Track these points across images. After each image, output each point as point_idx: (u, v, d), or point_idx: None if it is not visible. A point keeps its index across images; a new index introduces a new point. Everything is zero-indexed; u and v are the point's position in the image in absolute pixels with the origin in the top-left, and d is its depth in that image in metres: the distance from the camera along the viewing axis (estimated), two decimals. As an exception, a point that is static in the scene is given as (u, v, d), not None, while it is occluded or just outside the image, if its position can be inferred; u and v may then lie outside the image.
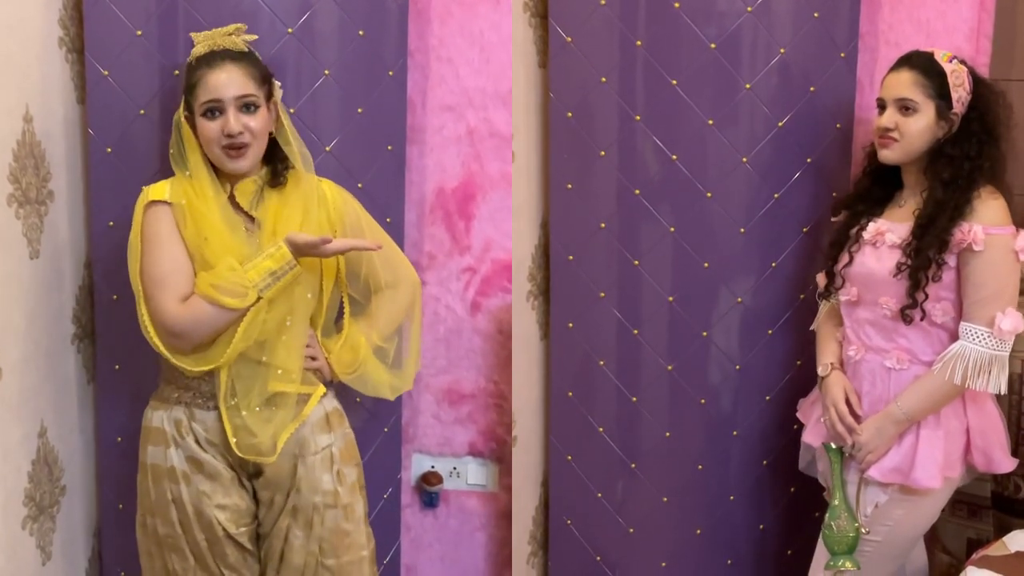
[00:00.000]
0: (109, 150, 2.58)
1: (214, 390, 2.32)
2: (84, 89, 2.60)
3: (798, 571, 2.88)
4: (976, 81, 2.40)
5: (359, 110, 2.67)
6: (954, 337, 2.34)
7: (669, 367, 2.77)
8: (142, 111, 2.56)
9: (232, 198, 2.34)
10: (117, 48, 2.54)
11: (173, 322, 2.25)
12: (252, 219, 2.34)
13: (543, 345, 2.94)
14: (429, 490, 3.05)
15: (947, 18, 2.78)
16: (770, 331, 2.77)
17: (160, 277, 2.27)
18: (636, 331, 2.78)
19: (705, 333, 2.76)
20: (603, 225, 2.76)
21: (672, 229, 2.72)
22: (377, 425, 2.80)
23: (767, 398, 2.79)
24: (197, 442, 2.34)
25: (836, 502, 2.39)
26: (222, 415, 2.31)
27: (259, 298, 2.24)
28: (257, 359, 2.31)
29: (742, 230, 2.71)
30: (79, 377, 2.68)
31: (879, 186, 2.50)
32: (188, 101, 2.31)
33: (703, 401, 2.79)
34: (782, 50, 2.65)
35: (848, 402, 2.41)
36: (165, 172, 2.48)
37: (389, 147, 2.74)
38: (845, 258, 2.48)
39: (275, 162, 2.38)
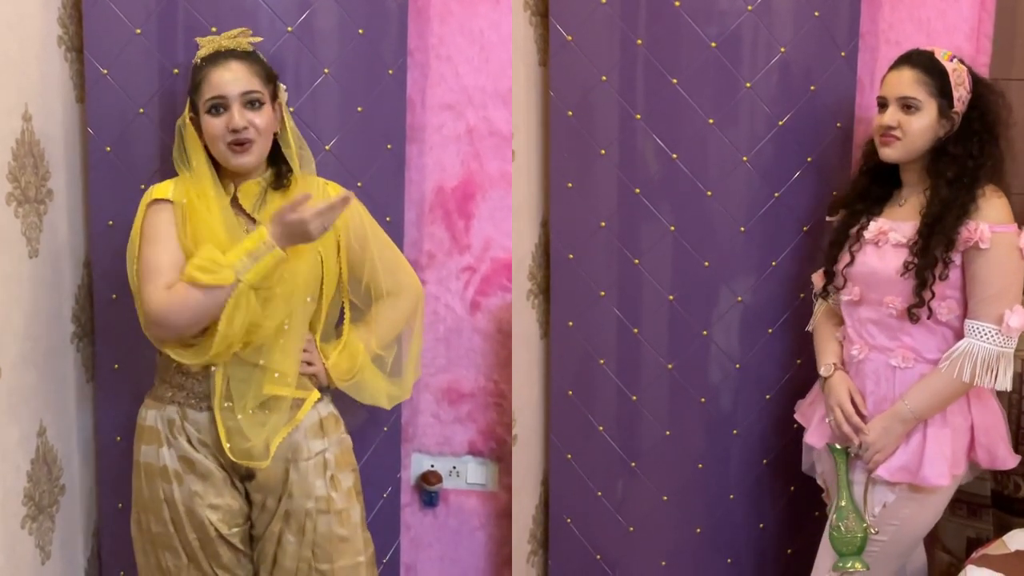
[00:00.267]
0: (108, 149, 2.57)
1: (208, 391, 2.32)
2: (83, 88, 2.59)
3: (798, 570, 2.88)
4: (975, 80, 2.41)
5: (359, 109, 2.66)
6: (958, 335, 2.34)
7: (669, 366, 2.77)
8: (141, 110, 2.55)
9: (235, 200, 2.34)
10: (116, 47, 2.53)
11: (157, 307, 2.22)
12: (254, 221, 2.33)
13: (543, 344, 2.94)
14: (429, 489, 3.04)
15: (947, 17, 2.78)
16: (770, 330, 2.77)
17: (152, 268, 2.26)
18: (636, 330, 2.78)
19: (705, 332, 2.76)
20: (603, 224, 2.76)
21: (672, 228, 2.72)
22: (376, 424, 2.79)
23: (767, 397, 2.79)
24: (189, 442, 2.34)
25: (843, 503, 2.38)
26: (216, 418, 2.31)
27: (238, 281, 2.19)
28: (254, 362, 2.30)
29: (742, 229, 2.71)
30: (78, 376, 2.67)
31: (877, 185, 2.50)
32: (193, 101, 2.31)
33: (703, 400, 2.79)
34: (783, 49, 2.65)
35: (853, 402, 2.41)
36: (165, 171, 2.48)
37: (389, 146, 2.74)
38: (846, 258, 2.47)
39: (279, 164, 2.38)
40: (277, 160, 2.38)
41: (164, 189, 2.32)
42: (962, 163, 2.34)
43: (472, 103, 2.87)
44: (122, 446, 2.64)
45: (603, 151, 2.73)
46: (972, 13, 2.76)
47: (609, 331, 2.80)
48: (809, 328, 2.65)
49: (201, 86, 2.29)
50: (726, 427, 2.80)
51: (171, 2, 2.52)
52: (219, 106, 2.27)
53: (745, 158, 2.68)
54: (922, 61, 2.38)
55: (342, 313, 2.51)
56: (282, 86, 2.40)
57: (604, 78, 2.70)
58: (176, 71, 2.52)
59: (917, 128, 2.36)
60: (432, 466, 3.05)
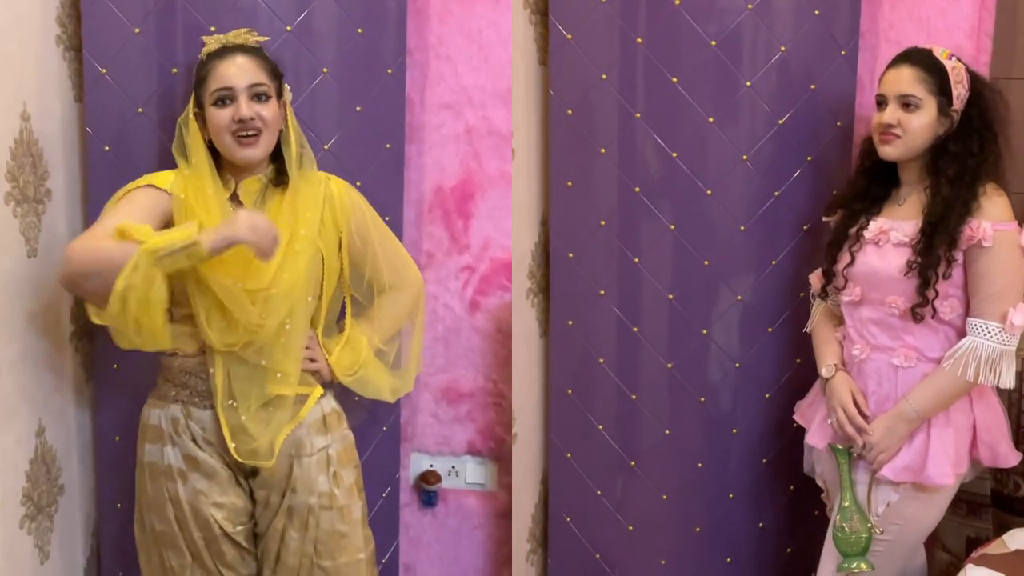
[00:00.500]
0: (107, 148, 2.57)
1: (211, 388, 2.32)
2: (82, 87, 2.59)
3: (798, 569, 2.88)
4: (973, 78, 2.40)
5: (358, 108, 2.66)
6: (960, 333, 2.34)
7: (669, 365, 2.77)
8: (140, 109, 2.55)
9: (235, 196, 2.34)
10: (115, 46, 2.53)
11: (69, 249, 2.18)
12: None
13: (543, 343, 2.94)
14: (428, 489, 3.04)
15: (948, 16, 2.78)
16: (770, 329, 2.76)
17: (97, 227, 2.22)
18: (636, 329, 2.78)
19: (705, 331, 2.75)
20: (603, 223, 2.75)
21: (672, 227, 2.72)
22: (376, 424, 2.80)
23: (767, 396, 2.79)
24: (194, 440, 2.34)
25: (847, 504, 2.37)
26: (220, 418, 2.31)
27: (144, 256, 2.10)
28: (256, 362, 2.30)
29: (742, 228, 2.71)
30: (77, 376, 2.67)
31: (876, 184, 2.50)
32: (198, 96, 2.31)
33: (703, 399, 2.78)
34: (783, 48, 2.64)
35: (856, 402, 2.41)
36: (164, 170, 2.47)
37: (388, 145, 2.73)
38: (846, 258, 2.47)
39: (279, 161, 2.38)
40: (278, 157, 2.38)
41: (165, 179, 2.32)
42: (963, 161, 2.34)
43: (471, 103, 2.87)
44: (121, 446, 2.64)
45: (603, 150, 2.73)
46: (972, 11, 2.76)
47: (609, 330, 2.80)
48: (807, 329, 2.64)
49: (207, 79, 2.29)
50: (726, 426, 2.80)
51: (170, 1, 2.52)
52: (226, 98, 2.27)
53: (745, 157, 2.68)
54: (921, 59, 2.38)
55: (343, 308, 2.51)
56: (286, 86, 2.40)
57: (604, 77, 2.69)
58: (175, 70, 2.52)
59: (917, 126, 2.36)
60: (431, 466, 3.05)
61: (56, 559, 2.59)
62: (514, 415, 2.85)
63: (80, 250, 2.18)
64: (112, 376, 2.65)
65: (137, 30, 2.53)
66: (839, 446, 2.41)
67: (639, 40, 2.66)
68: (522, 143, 2.78)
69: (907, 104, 2.36)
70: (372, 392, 2.54)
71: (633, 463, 2.84)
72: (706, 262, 2.72)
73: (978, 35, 2.76)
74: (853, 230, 2.47)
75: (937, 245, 2.30)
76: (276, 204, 2.33)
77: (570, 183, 2.77)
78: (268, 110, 2.30)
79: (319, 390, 2.41)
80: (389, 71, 2.71)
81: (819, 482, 2.63)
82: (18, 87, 2.38)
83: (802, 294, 2.72)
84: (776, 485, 2.84)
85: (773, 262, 2.73)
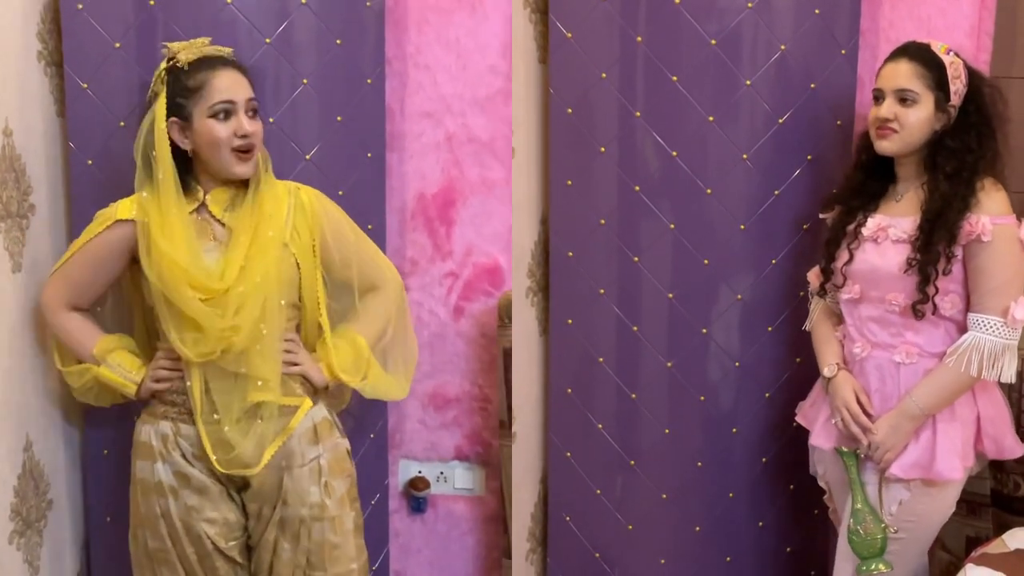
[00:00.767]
0: (90, 162, 2.58)
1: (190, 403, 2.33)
2: (64, 102, 2.60)
3: (797, 568, 2.89)
4: (971, 74, 2.39)
5: (338, 118, 2.67)
6: (962, 328, 2.33)
7: (669, 364, 2.77)
8: (122, 123, 2.55)
9: (204, 205, 2.34)
10: (96, 61, 2.54)
11: (44, 306, 2.43)
12: (223, 225, 2.34)
13: (542, 342, 2.94)
14: (417, 495, 3.06)
15: (948, 15, 2.78)
16: (770, 328, 2.76)
17: (68, 273, 2.39)
18: (636, 328, 2.77)
19: (705, 330, 2.75)
20: (603, 222, 2.75)
21: (672, 226, 2.72)
22: (363, 431, 2.81)
23: (767, 395, 2.79)
24: (184, 456, 2.34)
25: (859, 506, 2.36)
26: (200, 432, 2.31)
27: (93, 361, 2.41)
28: (234, 370, 2.30)
29: (742, 227, 2.71)
30: (64, 390, 2.63)
31: (872, 180, 2.48)
32: (181, 105, 2.27)
33: (702, 398, 2.78)
34: (783, 47, 2.64)
35: (859, 401, 2.40)
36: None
37: (369, 154, 2.75)
38: (845, 256, 2.46)
39: None
40: None
41: (127, 209, 2.33)
42: (961, 157, 2.33)
43: (451, 111, 2.91)
44: (110, 459, 2.65)
45: (603, 149, 2.73)
46: (973, 10, 2.76)
47: (608, 329, 2.80)
48: (806, 327, 2.64)
49: (203, 91, 2.26)
50: (725, 425, 2.80)
51: (150, 16, 2.53)
52: (228, 111, 2.26)
53: (745, 156, 2.67)
54: (919, 53, 2.37)
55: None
56: None
57: (604, 75, 2.69)
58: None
59: (914, 121, 2.35)
60: (420, 472, 3.06)
61: (46, 574, 2.58)
62: (513, 414, 2.85)
63: (50, 313, 2.43)
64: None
65: (118, 45, 2.53)
66: (845, 449, 2.40)
67: (639, 39, 2.66)
68: (522, 142, 2.78)
69: (904, 99, 2.35)
70: (383, 393, 2.54)
71: (633, 462, 2.84)
72: (706, 261, 2.72)
73: (978, 34, 2.76)
74: (851, 227, 2.46)
75: (936, 241, 2.30)
76: (245, 210, 2.33)
77: (570, 182, 2.77)
78: (259, 126, 2.32)
79: (308, 403, 2.39)
80: (369, 81, 2.72)
81: (821, 483, 2.62)
82: (0, 103, 2.38)
83: (802, 293, 2.72)
84: (776, 484, 2.84)
85: (773, 261, 2.73)
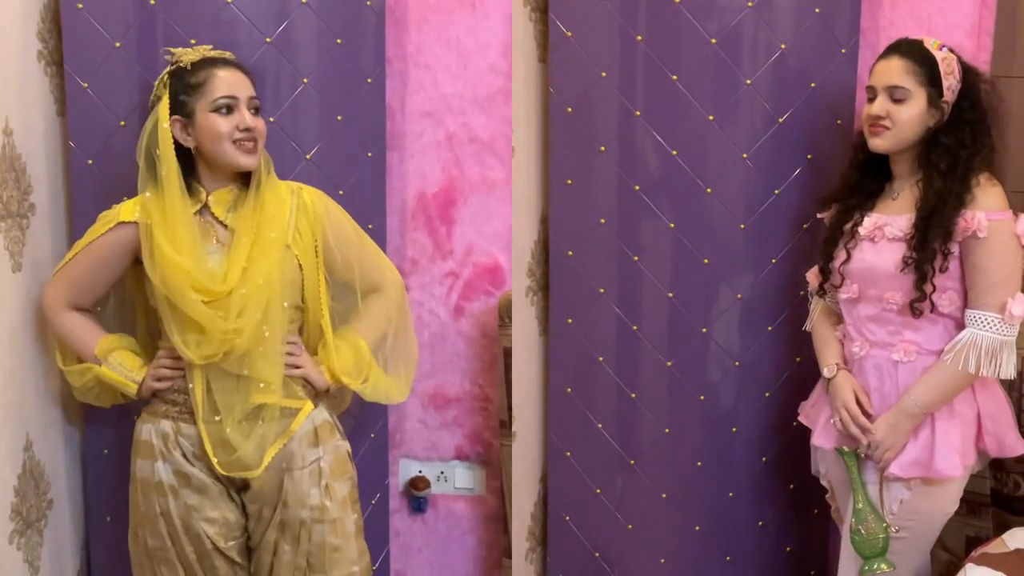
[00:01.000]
0: (90, 162, 2.57)
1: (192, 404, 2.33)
2: (64, 102, 2.59)
3: (797, 568, 2.89)
4: (966, 69, 2.38)
5: (339, 118, 2.67)
6: (960, 325, 2.32)
7: (668, 363, 2.77)
8: (122, 123, 2.55)
9: (207, 206, 2.34)
10: (96, 60, 2.53)
11: (46, 306, 2.43)
12: (225, 227, 2.34)
13: (542, 341, 2.94)
14: (417, 495, 3.06)
15: (948, 14, 2.78)
16: (770, 327, 2.76)
17: (71, 274, 2.39)
18: (635, 327, 2.77)
19: (705, 329, 2.75)
20: (603, 221, 2.75)
21: (672, 225, 2.72)
22: (363, 431, 2.81)
23: (767, 395, 2.78)
24: (184, 456, 2.34)
25: (860, 506, 2.35)
26: (201, 433, 2.31)
27: (95, 361, 2.41)
28: (236, 372, 2.30)
29: (742, 226, 2.71)
30: (64, 389, 2.64)
31: (869, 178, 2.47)
32: (183, 103, 2.28)
33: (702, 397, 2.78)
34: (783, 46, 2.64)
35: (859, 402, 2.39)
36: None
37: (369, 154, 2.75)
38: (842, 255, 2.45)
39: (246, 173, 2.36)
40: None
41: (130, 210, 2.34)
42: (955, 153, 2.32)
43: (451, 110, 2.91)
44: (110, 459, 2.65)
45: (603, 148, 2.72)
46: (973, 10, 2.76)
47: (608, 328, 2.80)
48: (807, 327, 2.63)
49: (205, 86, 2.27)
50: (725, 425, 2.79)
51: (150, 15, 2.52)
52: (230, 106, 2.27)
53: (745, 155, 2.67)
54: (911, 50, 2.36)
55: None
56: None
57: (604, 74, 2.69)
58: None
59: (906, 118, 2.34)
60: (420, 471, 3.06)
61: (46, 574, 2.58)
62: (513, 413, 2.84)
63: (52, 313, 2.43)
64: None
65: (118, 44, 2.53)
66: (845, 449, 2.39)
67: (639, 38, 2.66)
68: (522, 141, 2.78)
69: (895, 96, 2.34)
70: (383, 396, 2.54)
71: (632, 462, 2.83)
72: (706, 260, 2.72)
73: (979, 33, 2.76)
74: (848, 226, 2.45)
75: (932, 239, 2.28)
76: (247, 211, 2.33)
77: (570, 181, 2.77)
78: (262, 124, 2.33)
79: (309, 406, 2.39)
80: (369, 80, 2.72)
81: (823, 482, 2.61)
82: (0, 102, 2.38)
83: (802, 292, 2.72)
84: (776, 484, 2.84)
85: (773, 260, 2.73)
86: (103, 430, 2.66)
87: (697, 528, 2.84)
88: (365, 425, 2.80)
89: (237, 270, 2.28)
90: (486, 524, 3.10)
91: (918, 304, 2.31)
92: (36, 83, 2.54)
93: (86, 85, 2.54)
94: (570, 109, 2.74)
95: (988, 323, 2.28)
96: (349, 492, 2.44)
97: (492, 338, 2.95)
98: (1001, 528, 2.56)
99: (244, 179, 2.36)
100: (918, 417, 2.33)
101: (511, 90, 2.80)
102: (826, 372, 2.48)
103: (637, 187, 2.72)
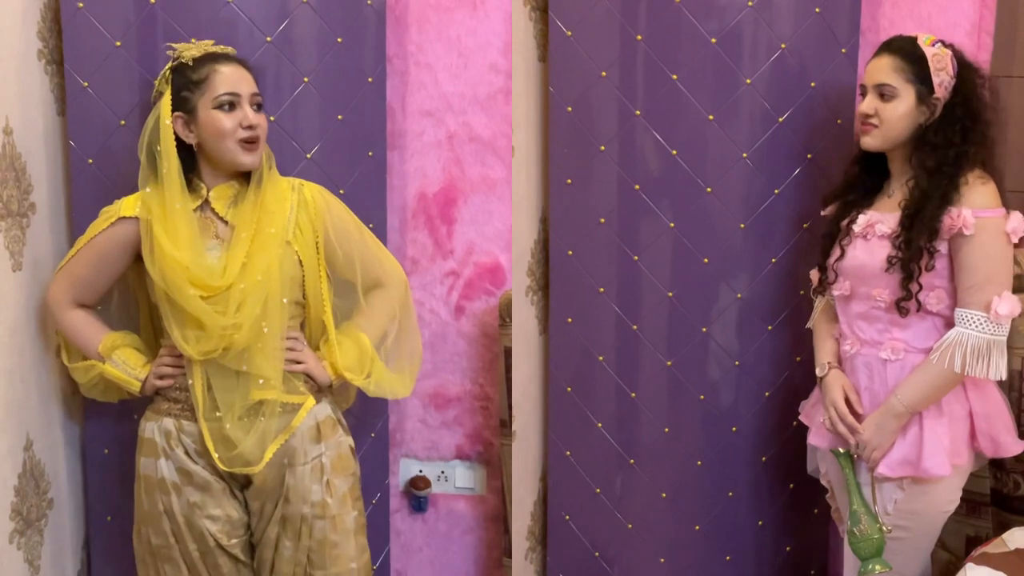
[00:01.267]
0: (90, 161, 2.57)
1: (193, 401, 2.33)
2: (64, 101, 2.60)
3: (797, 567, 2.88)
4: (961, 65, 2.35)
5: (339, 117, 2.67)
6: (949, 324, 2.31)
7: (668, 363, 2.77)
8: (123, 122, 2.55)
9: (207, 202, 2.34)
10: (96, 59, 2.54)
11: (50, 303, 2.44)
12: (226, 223, 2.34)
13: (542, 340, 2.94)
14: (417, 494, 3.06)
15: (948, 14, 2.78)
16: (769, 327, 2.76)
17: (74, 271, 2.40)
18: (635, 326, 2.77)
19: (704, 329, 2.75)
20: (603, 220, 2.75)
21: (672, 224, 2.72)
22: (364, 430, 2.81)
23: (766, 394, 2.78)
24: (187, 453, 2.34)
25: (855, 507, 2.34)
26: (203, 429, 2.31)
27: (98, 359, 2.41)
28: (236, 368, 2.30)
29: (742, 226, 2.71)
30: (65, 388, 2.65)
31: (869, 176, 2.47)
32: (185, 99, 2.28)
33: (702, 397, 2.78)
34: (783, 45, 2.64)
35: (848, 400, 2.39)
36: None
37: (370, 153, 2.75)
38: (837, 252, 2.44)
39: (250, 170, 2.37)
40: None
41: (131, 206, 2.34)
42: (943, 152, 2.30)
43: (452, 109, 2.91)
44: (111, 458, 2.65)
45: (603, 147, 2.72)
46: (973, 9, 2.76)
47: (608, 328, 2.80)
48: (809, 325, 2.63)
49: (207, 83, 2.27)
50: (725, 424, 2.79)
51: (150, 14, 2.53)
52: (232, 103, 2.27)
53: (745, 154, 2.67)
54: (901, 47, 2.34)
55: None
56: None
57: (604, 74, 2.69)
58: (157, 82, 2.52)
59: (893, 115, 2.33)
60: (420, 471, 3.07)
61: (47, 574, 2.58)
62: (513, 413, 2.84)
63: (56, 310, 2.43)
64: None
65: (118, 43, 2.53)
66: (840, 450, 2.39)
67: (639, 37, 2.66)
68: (521, 140, 2.78)
69: (883, 93, 2.33)
70: (386, 391, 2.54)
71: (632, 461, 2.84)
72: (706, 260, 2.72)
73: (979, 33, 2.76)
74: (844, 223, 2.45)
75: (916, 238, 2.27)
76: (247, 207, 2.33)
77: (570, 180, 2.77)
78: (264, 120, 2.33)
79: (311, 401, 2.39)
80: (370, 79, 2.72)
81: (823, 482, 2.61)
82: (0, 101, 2.38)
83: (802, 292, 2.72)
84: (775, 483, 2.84)
85: (773, 260, 2.73)
86: (104, 429, 2.66)
87: (697, 527, 2.84)
88: (365, 424, 2.80)
89: (236, 265, 2.28)
90: (486, 523, 3.10)
91: (904, 303, 2.30)
92: (36, 82, 2.55)
93: (86, 84, 2.54)
94: (570, 108, 2.74)
95: (975, 322, 2.26)
96: (350, 488, 2.44)
97: (492, 337, 2.95)
98: (1001, 528, 2.56)
99: (245, 175, 2.36)
100: (904, 416, 2.31)
101: (511, 89, 2.80)
102: (818, 371, 2.48)
103: (637, 186, 2.72)
